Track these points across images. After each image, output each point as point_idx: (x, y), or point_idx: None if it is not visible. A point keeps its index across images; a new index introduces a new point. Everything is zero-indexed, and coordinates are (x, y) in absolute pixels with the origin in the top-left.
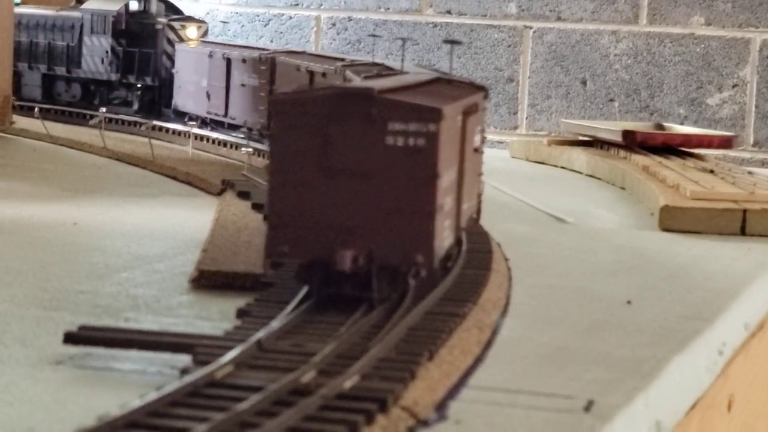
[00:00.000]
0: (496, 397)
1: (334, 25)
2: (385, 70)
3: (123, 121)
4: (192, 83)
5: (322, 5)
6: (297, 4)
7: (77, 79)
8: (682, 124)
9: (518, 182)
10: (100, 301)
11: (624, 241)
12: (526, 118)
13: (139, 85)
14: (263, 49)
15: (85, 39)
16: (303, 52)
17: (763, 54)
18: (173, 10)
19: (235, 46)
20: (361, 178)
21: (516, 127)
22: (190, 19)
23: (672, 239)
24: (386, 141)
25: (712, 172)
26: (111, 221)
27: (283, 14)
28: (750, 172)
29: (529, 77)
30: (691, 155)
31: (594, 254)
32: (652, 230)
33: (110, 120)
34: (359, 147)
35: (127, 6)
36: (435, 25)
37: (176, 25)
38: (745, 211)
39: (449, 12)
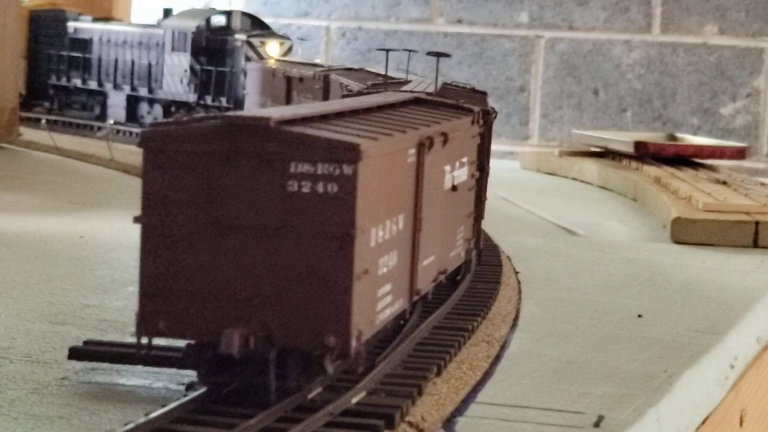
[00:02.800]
0: (505, 413)
1: (344, 35)
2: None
3: (130, 133)
4: (259, 105)
5: (331, 15)
6: (307, 14)
7: (159, 100)
8: (695, 134)
9: (529, 194)
10: (107, 315)
11: (635, 254)
12: (538, 128)
13: (217, 107)
14: (317, 65)
15: (166, 57)
16: (360, 69)
17: None
18: (260, 25)
19: (297, 63)
20: (257, 235)
21: (528, 138)
22: (271, 35)
23: (684, 252)
24: (288, 187)
25: (724, 183)
26: (118, 234)
27: (292, 24)
28: (763, 184)
29: (540, 87)
30: (704, 166)
31: (605, 267)
32: (664, 242)
33: (118, 132)
34: (254, 195)
35: (208, 21)
36: (446, 35)
37: (255, 41)
38: (757, 223)
39: (460, 21)
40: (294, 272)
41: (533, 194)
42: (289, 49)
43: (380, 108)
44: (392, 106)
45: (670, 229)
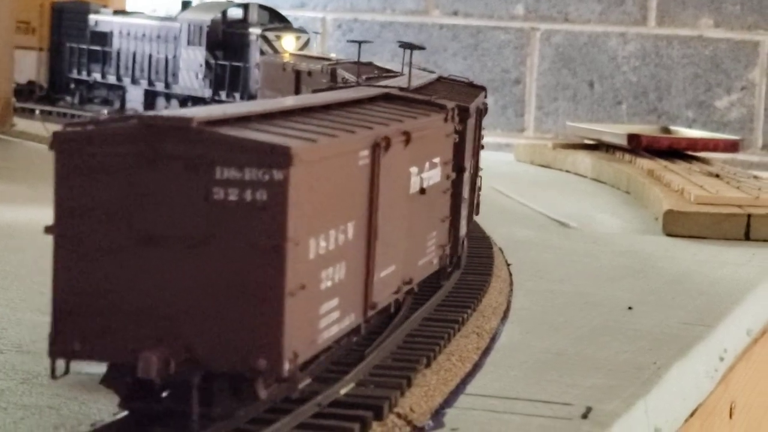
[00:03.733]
0: (494, 404)
1: (339, 26)
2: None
3: None
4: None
5: (327, 6)
6: (303, 5)
7: (175, 95)
8: (690, 127)
9: (522, 186)
10: None
11: (627, 246)
12: (534, 120)
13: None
14: (327, 59)
15: (182, 51)
16: (369, 63)
17: None
18: (278, 18)
19: (308, 57)
20: (181, 247)
21: (523, 130)
22: (287, 29)
23: (676, 244)
24: (214, 194)
25: (717, 176)
26: None
27: (288, 16)
28: (755, 177)
29: (536, 79)
30: (697, 159)
31: (597, 259)
32: (656, 235)
33: None
34: (177, 203)
35: (224, 14)
36: (441, 26)
37: (271, 35)
38: (749, 216)
39: (456, 13)
40: (221, 288)
41: (526, 186)
42: (306, 43)
43: (340, 105)
44: (355, 103)
45: (662, 222)
